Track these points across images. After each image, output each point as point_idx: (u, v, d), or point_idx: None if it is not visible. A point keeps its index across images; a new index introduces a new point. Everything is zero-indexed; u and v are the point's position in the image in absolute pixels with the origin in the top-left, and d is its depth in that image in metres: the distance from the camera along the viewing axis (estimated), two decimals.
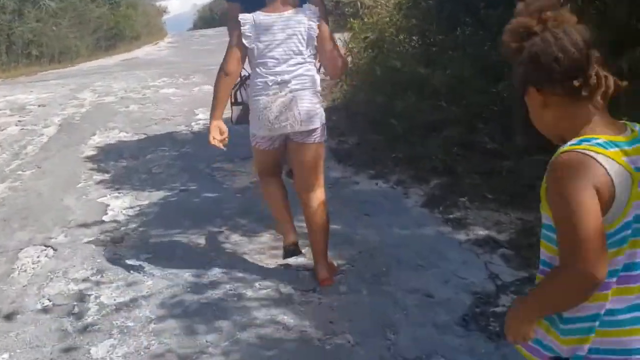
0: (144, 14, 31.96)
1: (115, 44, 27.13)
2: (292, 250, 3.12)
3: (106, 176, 5.39)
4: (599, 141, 1.20)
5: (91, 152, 6.33)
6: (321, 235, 3.00)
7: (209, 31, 40.29)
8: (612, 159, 1.18)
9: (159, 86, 11.31)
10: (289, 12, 2.76)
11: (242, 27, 2.75)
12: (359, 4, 9.07)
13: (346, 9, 9.34)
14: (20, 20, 23.29)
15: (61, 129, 7.78)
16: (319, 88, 2.90)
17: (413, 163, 4.88)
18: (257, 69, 2.81)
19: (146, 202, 4.59)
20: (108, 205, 4.59)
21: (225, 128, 2.86)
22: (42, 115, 8.96)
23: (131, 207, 4.50)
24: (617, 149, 1.21)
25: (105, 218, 4.32)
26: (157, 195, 4.74)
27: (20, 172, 5.76)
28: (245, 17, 2.76)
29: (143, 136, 6.94)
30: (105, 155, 6.14)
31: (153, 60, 20.52)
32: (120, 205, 4.56)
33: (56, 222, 4.31)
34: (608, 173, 1.17)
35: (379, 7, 9.04)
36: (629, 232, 1.24)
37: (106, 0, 26.80)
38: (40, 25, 23.60)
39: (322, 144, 2.96)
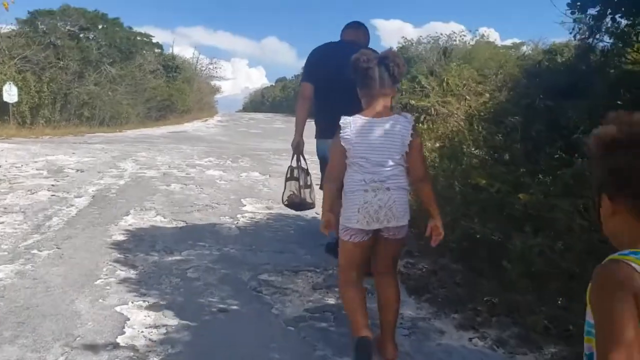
0: (198, 91, 32.15)
1: (165, 115, 27.04)
2: (364, 344, 2.93)
3: (132, 273, 4.39)
4: None
5: (120, 237, 5.38)
6: (395, 315, 3.11)
7: (259, 115, 40.55)
8: None
9: (204, 166, 10.50)
10: (388, 117, 2.87)
11: (342, 132, 2.85)
12: (432, 110, 8.24)
13: (415, 113, 8.50)
14: (79, 81, 23.35)
15: (94, 202, 6.91)
16: (408, 187, 2.96)
17: (512, 312, 3.79)
18: (355, 167, 2.85)
19: (175, 322, 3.52)
20: (128, 318, 3.54)
21: (334, 223, 3.04)
22: (77, 182, 8.15)
23: (155, 327, 3.44)
24: None
25: (120, 340, 3.25)
26: (189, 313, 3.68)
27: (35, 252, 4.81)
28: (345, 122, 2.87)
29: (182, 224, 5.99)
30: (136, 244, 5.17)
31: (201, 136, 20.00)
32: (142, 322, 3.51)
33: (58, 336, 3.26)
34: None
35: (454, 116, 8.20)
36: None
37: (164, 73, 26.96)
38: (97, 89, 23.61)
39: (405, 238, 3.12)
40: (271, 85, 55.33)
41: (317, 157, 4.59)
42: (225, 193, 7.81)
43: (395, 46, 28.89)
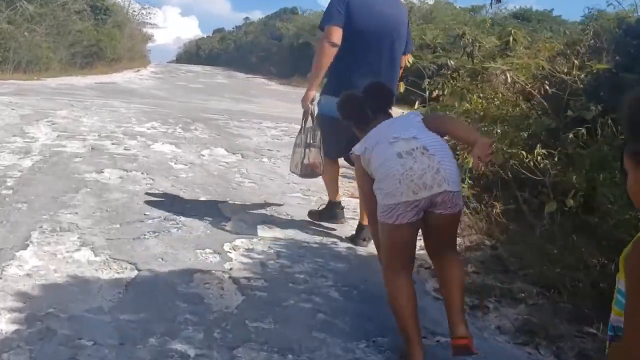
0: (130, 38, 28.01)
1: (92, 62, 22.99)
2: None
3: None
4: None
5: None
6: (462, 295, 2.39)
7: (196, 67, 36.50)
8: None
9: (148, 136, 7.42)
10: (390, 120, 2.66)
11: (361, 156, 2.52)
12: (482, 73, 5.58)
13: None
14: None
15: None
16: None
17: None
18: (383, 146, 2.38)
19: None
20: None
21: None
22: None
23: None
24: None
25: None
26: None
27: None
28: (357, 148, 2.57)
29: (127, 272, 3.08)
30: (27, 336, 2.29)
31: (134, 90, 16.51)
32: None
33: None
34: None
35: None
36: None
37: (92, 15, 22.85)
38: (10, 28, 19.39)
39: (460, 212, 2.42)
40: (207, 37, 50.75)
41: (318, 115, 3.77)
42: (189, 190, 4.89)
43: None
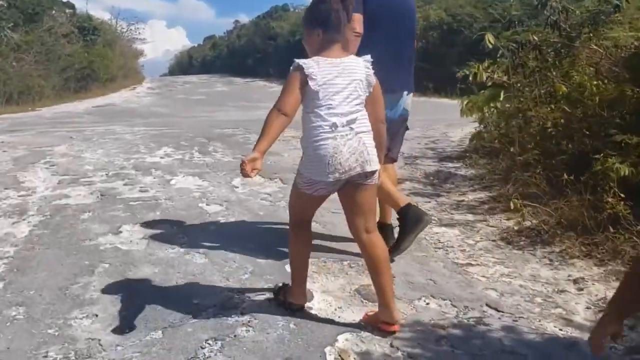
0: (121, 56, 26.67)
1: (86, 85, 21.65)
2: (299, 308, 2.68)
3: None
4: None
5: None
6: (390, 275, 2.51)
7: (192, 77, 35.07)
8: None
9: (165, 168, 6.14)
10: (348, 58, 2.42)
11: (306, 70, 2.31)
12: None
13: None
14: None
15: None
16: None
17: None
18: (321, 112, 2.32)
19: None
20: None
21: (260, 165, 2.23)
22: None
23: None
24: None
25: None
26: None
27: None
28: (307, 62, 2.34)
29: None
30: None
31: (135, 110, 15.22)
32: None
33: None
34: None
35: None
36: None
37: (80, 37, 21.49)
38: None
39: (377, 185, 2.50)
40: (199, 45, 49.18)
41: None
42: (240, 247, 3.61)
43: None
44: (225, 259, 3.40)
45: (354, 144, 2.31)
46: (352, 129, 2.33)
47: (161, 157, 6.81)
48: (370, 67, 2.44)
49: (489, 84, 6.33)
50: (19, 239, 3.80)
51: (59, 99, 18.42)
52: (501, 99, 5.14)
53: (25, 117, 13.96)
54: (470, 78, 7.35)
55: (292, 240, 2.62)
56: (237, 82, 25.52)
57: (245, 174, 2.20)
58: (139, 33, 29.61)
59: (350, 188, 2.42)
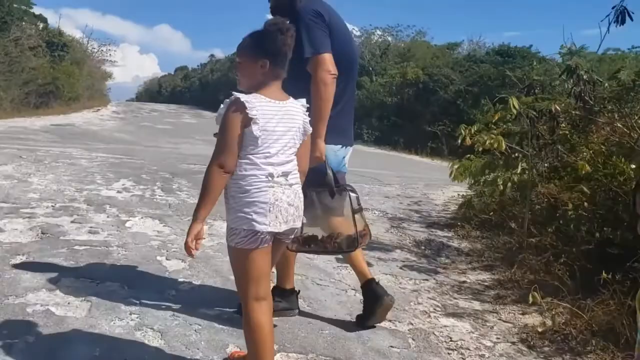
0: (89, 75, 25.65)
1: (48, 102, 20.50)
2: None
3: None
4: None
5: None
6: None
7: (160, 106, 33.98)
8: None
9: (121, 205, 5.32)
10: (287, 103, 2.13)
11: (249, 111, 1.98)
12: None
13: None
14: None
15: None
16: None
17: None
18: (257, 160, 2.04)
19: None
20: None
21: (204, 234, 2.06)
22: None
23: None
24: None
25: None
26: None
27: None
28: (250, 101, 2.00)
29: None
30: None
31: (95, 133, 14.28)
32: None
33: None
34: None
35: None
36: None
37: (48, 52, 20.49)
38: None
39: None
40: (169, 74, 48.20)
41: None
42: (217, 342, 2.84)
43: None
44: (187, 344, 2.62)
45: (291, 195, 2.11)
46: (287, 180, 2.10)
47: (118, 192, 5.98)
48: (307, 113, 2.22)
49: (479, 149, 5.89)
50: None
51: (16, 112, 17.28)
52: (518, 171, 4.57)
53: None
54: (459, 141, 6.92)
55: (250, 320, 2.12)
56: (206, 115, 24.69)
57: (190, 254, 2.01)
58: (110, 55, 28.74)
59: (276, 243, 2.17)
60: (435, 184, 9.49)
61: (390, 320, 3.16)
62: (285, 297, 3.01)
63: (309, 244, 2.72)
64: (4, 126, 13.84)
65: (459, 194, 7.78)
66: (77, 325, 2.68)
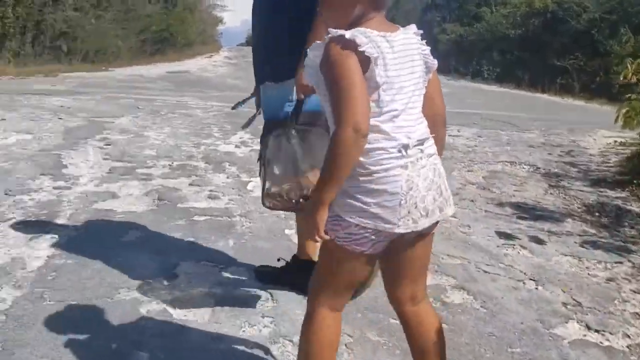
0: (201, 21, 25.68)
1: (163, 49, 20.72)
2: None
3: None
4: None
5: None
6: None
7: None
8: None
9: (241, 163, 4.78)
10: (402, 33, 1.44)
11: (364, 49, 1.32)
12: None
13: None
14: (55, 5, 16.97)
15: None
16: None
17: None
18: (384, 124, 1.37)
19: None
20: None
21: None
22: None
23: None
24: None
25: None
26: None
27: None
28: (359, 37, 1.33)
29: None
30: None
31: (209, 80, 14.04)
32: None
33: None
34: None
35: None
36: None
37: None
38: (77, 15, 17.24)
39: None
40: None
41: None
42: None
43: None
44: None
45: (429, 175, 1.43)
46: (422, 150, 1.43)
47: (236, 146, 5.46)
48: (424, 42, 1.52)
49: None
50: (27, 277, 2.49)
51: (133, 60, 17.54)
52: None
53: (97, 77, 13.03)
54: (621, 78, 5.83)
55: (314, 333, 1.52)
56: None
57: (321, 237, 1.38)
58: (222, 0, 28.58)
59: (403, 242, 1.47)
60: (579, 127, 8.21)
61: (597, 331, 2.33)
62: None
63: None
64: (122, 74, 13.97)
65: (615, 141, 6.58)
66: (199, 334, 2.11)
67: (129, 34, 18.27)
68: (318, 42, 1.41)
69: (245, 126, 2.52)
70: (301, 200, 2.13)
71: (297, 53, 1.97)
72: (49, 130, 5.70)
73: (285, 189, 2.15)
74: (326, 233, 1.39)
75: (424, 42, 1.50)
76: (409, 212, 1.39)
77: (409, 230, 1.41)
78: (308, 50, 1.44)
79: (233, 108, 2.69)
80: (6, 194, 3.59)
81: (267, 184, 2.17)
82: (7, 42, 15.97)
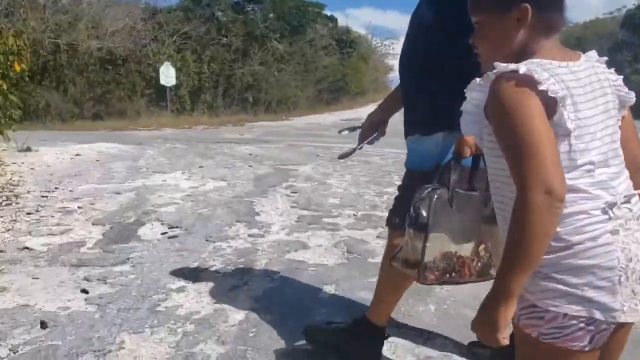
0: (374, 70, 26.34)
1: (338, 97, 21.53)
2: None
3: None
4: None
5: None
6: None
7: None
8: None
9: None
10: (582, 63, 1.14)
11: (547, 87, 1.03)
12: None
13: None
14: (243, 60, 18.53)
15: None
16: None
17: None
18: (579, 179, 1.08)
19: None
20: None
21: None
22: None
23: None
24: None
25: None
26: None
27: None
28: (537, 70, 1.05)
29: None
30: None
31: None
32: None
33: None
34: None
35: None
36: None
37: (337, 49, 21.40)
38: (262, 69, 18.62)
39: None
40: None
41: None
42: None
43: None
44: None
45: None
46: (630, 209, 1.09)
47: None
48: (613, 71, 1.18)
49: None
50: (229, 331, 2.45)
51: (310, 109, 18.39)
52: None
53: (278, 126, 13.78)
54: None
55: None
56: None
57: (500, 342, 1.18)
58: (393, 48, 29.21)
59: (621, 333, 1.11)
60: None
61: None
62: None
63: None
64: (300, 123, 14.63)
65: None
66: None
67: (308, 84, 19.25)
68: (478, 80, 1.12)
69: (342, 157, 2.28)
70: (453, 274, 1.71)
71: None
72: (241, 177, 5.98)
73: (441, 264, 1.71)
74: (525, 328, 1.10)
75: (612, 70, 1.20)
76: (633, 292, 1.07)
77: (636, 319, 1.08)
78: (466, 91, 1.16)
79: (340, 132, 2.51)
80: (206, 240, 3.72)
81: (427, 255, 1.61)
82: (202, 95, 17.68)
